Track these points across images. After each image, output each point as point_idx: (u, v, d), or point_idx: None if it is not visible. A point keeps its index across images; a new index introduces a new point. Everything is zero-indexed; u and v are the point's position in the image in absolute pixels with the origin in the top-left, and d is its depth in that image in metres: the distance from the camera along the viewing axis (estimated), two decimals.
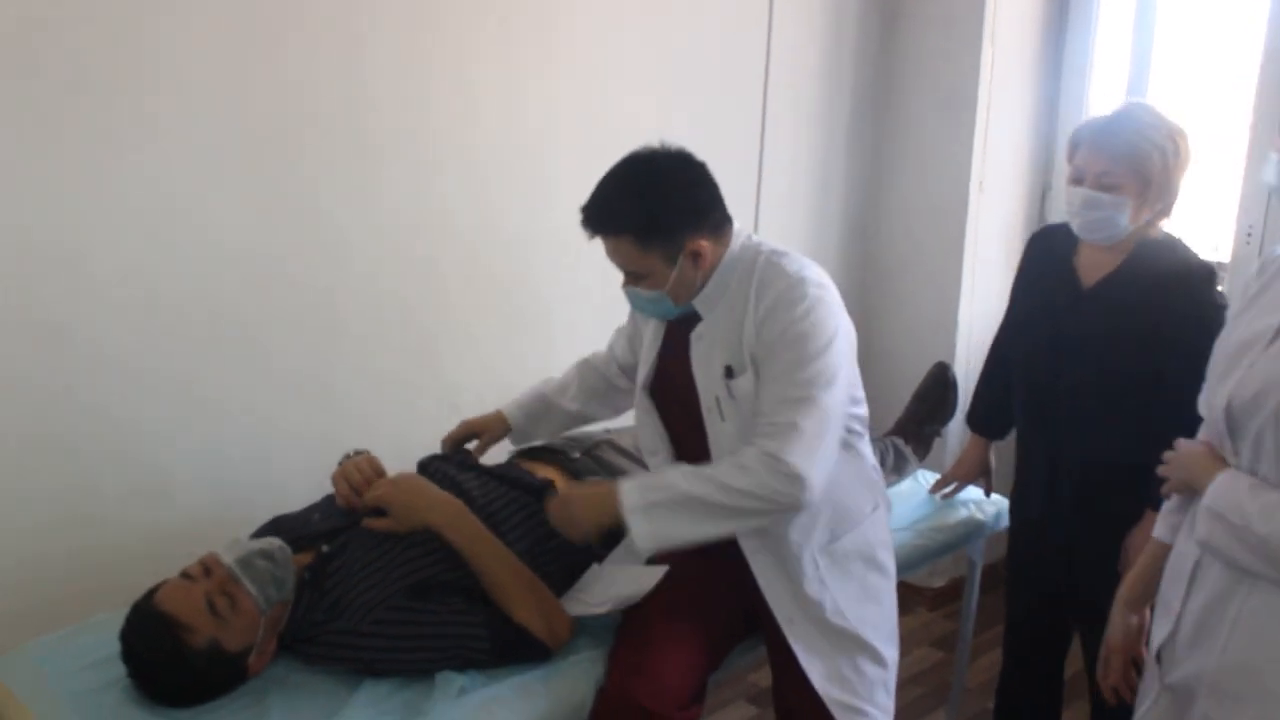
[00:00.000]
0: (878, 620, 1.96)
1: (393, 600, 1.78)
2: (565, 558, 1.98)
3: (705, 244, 1.81)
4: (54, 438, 2.05)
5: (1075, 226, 2.12)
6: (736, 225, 1.89)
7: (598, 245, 1.84)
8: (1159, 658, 1.58)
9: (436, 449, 2.22)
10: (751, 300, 1.81)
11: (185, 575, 1.72)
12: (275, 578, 1.74)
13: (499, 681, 1.75)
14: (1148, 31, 3.07)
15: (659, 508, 1.73)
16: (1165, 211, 2.10)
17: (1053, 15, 3.30)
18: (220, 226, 2.19)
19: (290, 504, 2.06)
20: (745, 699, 2.94)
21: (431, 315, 2.55)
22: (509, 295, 2.67)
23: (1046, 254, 2.27)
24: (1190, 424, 2.11)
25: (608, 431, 2.40)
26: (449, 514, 1.89)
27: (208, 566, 1.72)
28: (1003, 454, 2.50)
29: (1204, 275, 2.05)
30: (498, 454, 2.27)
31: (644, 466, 2.18)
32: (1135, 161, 2.02)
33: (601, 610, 1.86)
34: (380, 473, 1.98)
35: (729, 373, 1.83)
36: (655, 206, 1.77)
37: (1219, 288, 2.06)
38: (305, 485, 2.13)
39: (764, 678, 2.03)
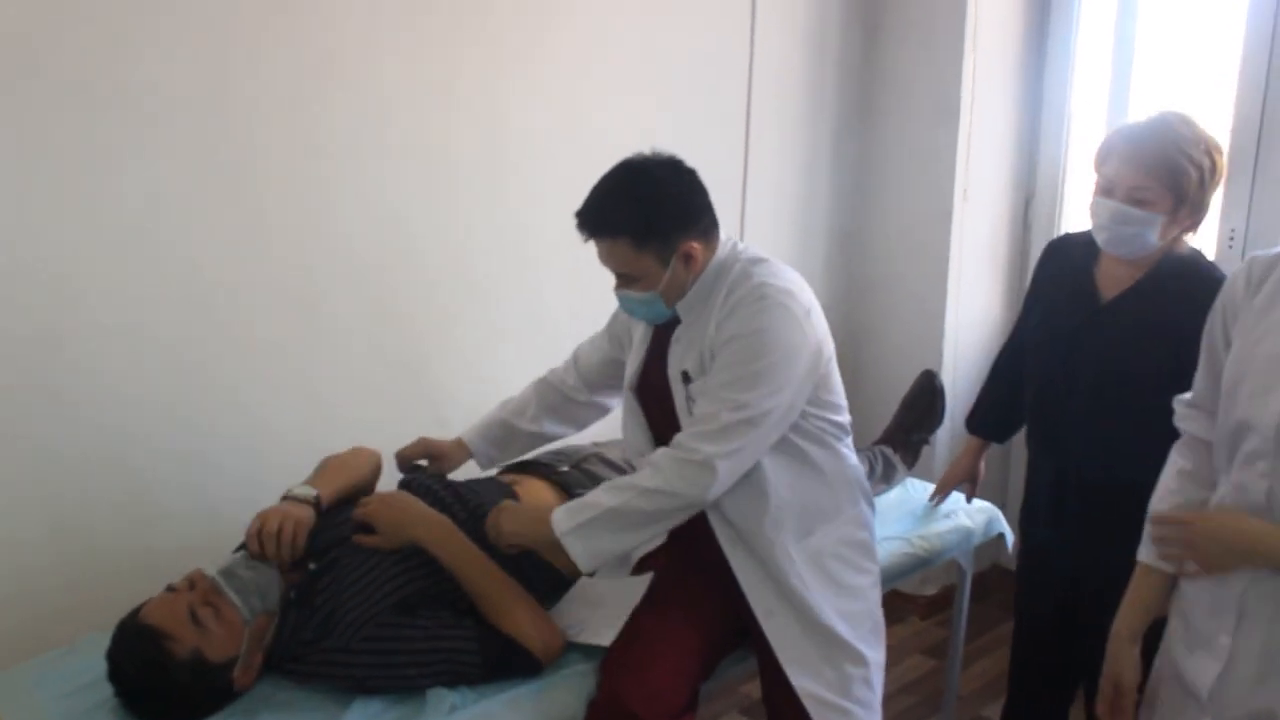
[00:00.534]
0: (858, 618, 1.96)
1: (382, 617, 1.78)
2: (550, 570, 1.98)
3: (697, 246, 1.86)
4: (42, 450, 2.05)
5: (1102, 240, 2.04)
6: (723, 234, 1.93)
7: (583, 260, 1.85)
8: (1208, 696, 1.48)
9: (424, 462, 2.23)
10: (718, 305, 1.86)
11: (170, 589, 1.74)
12: (259, 587, 1.75)
13: (490, 697, 1.75)
14: (1129, 37, 3.09)
15: (586, 527, 1.79)
16: (1193, 227, 2.04)
17: (1034, 23, 3.32)
18: (208, 242, 2.18)
19: None
20: (738, 710, 2.94)
21: (420, 332, 2.55)
22: (497, 306, 2.67)
23: (1064, 263, 2.20)
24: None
25: (596, 445, 2.41)
26: (436, 530, 1.90)
27: (192, 580, 1.75)
28: (991, 464, 2.50)
29: None
30: (472, 473, 2.28)
31: None
32: (1172, 178, 1.94)
33: (607, 641, 1.86)
34: (298, 547, 1.87)
35: (686, 378, 1.89)
36: (650, 209, 1.82)
37: None
38: None
39: (757, 689, 2.03)
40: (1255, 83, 2.80)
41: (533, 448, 2.32)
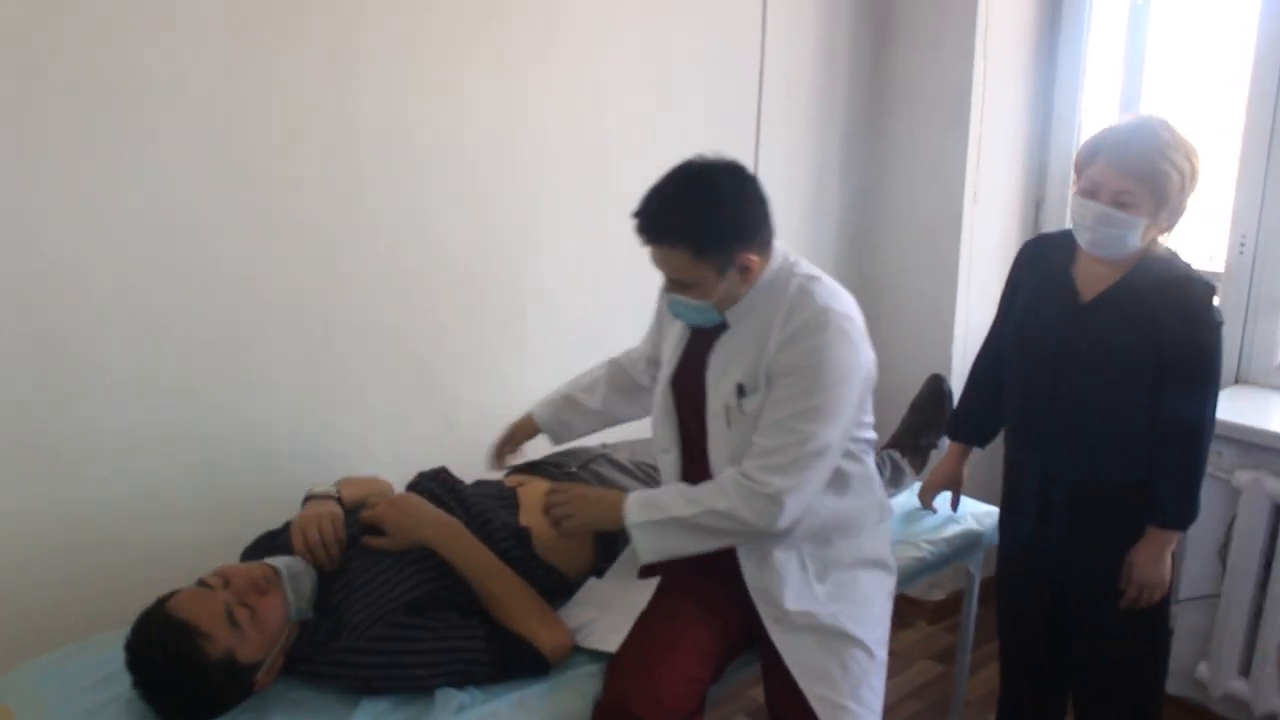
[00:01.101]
0: (869, 621, 1.96)
1: (391, 617, 1.79)
2: (555, 571, 1.99)
3: (755, 259, 1.85)
4: (48, 451, 2.05)
5: (1085, 242, 2.08)
6: (778, 243, 1.92)
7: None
8: None
9: (432, 465, 2.22)
10: (778, 322, 1.85)
11: (203, 584, 1.72)
12: (310, 593, 1.78)
13: (498, 698, 1.75)
14: (1140, 41, 3.08)
15: (655, 525, 1.83)
16: (1169, 228, 2.08)
17: (1045, 26, 3.32)
18: (216, 241, 2.19)
19: (287, 519, 2.06)
20: (745, 714, 2.94)
21: (427, 332, 2.55)
22: (504, 311, 2.67)
23: (1041, 264, 2.23)
24: (1190, 439, 2.10)
25: (604, 446, 2.41)
26: (445, 531, 1.90)
27: (226, 577, 1.73)
28: (991, 467, 2.49)
29: (1203, 292, 2.03)
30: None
31: (639, 482, 2.20)
32: (1155, 182, 1.99)
33: (613, 648, 1.86)
34: (342, 540, 1.92)
35: (741, 391, 1.87)
36: (711, 220, 1.80)
37: (1215, 304, 2.05)
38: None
39: (763, 693, 2.03)
40: (1267, 87, 2.79)
41: (596, 428, 2.34)
